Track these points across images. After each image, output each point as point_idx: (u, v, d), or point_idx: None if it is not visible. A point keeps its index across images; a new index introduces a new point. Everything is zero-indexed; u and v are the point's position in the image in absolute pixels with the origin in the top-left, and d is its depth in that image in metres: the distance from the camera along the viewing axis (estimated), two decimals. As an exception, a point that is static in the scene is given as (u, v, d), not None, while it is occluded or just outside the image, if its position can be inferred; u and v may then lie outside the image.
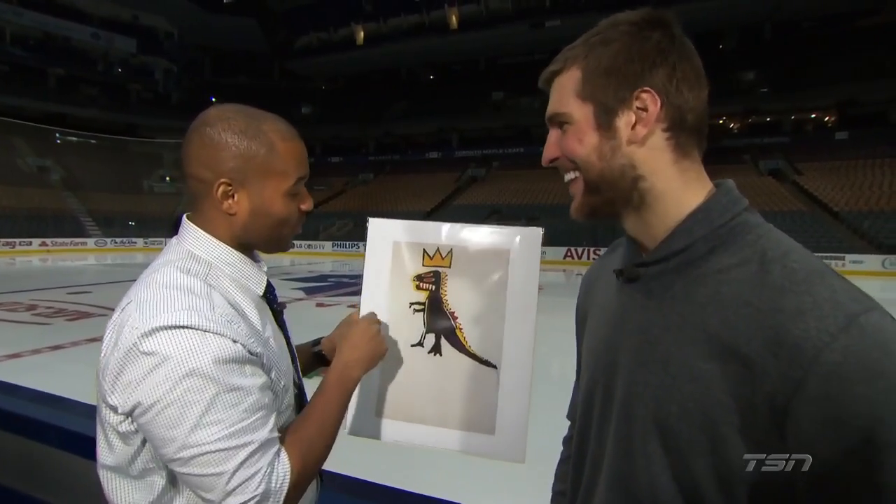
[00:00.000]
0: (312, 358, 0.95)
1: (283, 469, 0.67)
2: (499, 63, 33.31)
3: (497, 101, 31.30)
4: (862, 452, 0.41)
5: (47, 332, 6.36)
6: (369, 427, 0.89)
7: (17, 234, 21.67)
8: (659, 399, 0.52)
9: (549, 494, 0.82)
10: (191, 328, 0.63)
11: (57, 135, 31.09)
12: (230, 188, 0.72)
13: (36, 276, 14.61)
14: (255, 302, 0.77)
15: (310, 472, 0.71)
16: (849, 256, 17.24)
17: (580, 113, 0.58)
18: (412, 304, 0.87)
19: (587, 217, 0.61)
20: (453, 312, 0.86)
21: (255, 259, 0.80)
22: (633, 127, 0.56)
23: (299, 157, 0.76)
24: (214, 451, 0.62)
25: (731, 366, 0.47)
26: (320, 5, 31.63)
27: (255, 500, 0.63)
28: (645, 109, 0.55)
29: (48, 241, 22.44)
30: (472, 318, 0.85)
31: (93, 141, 32.38)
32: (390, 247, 0.89)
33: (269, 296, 0.82)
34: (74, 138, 31.85)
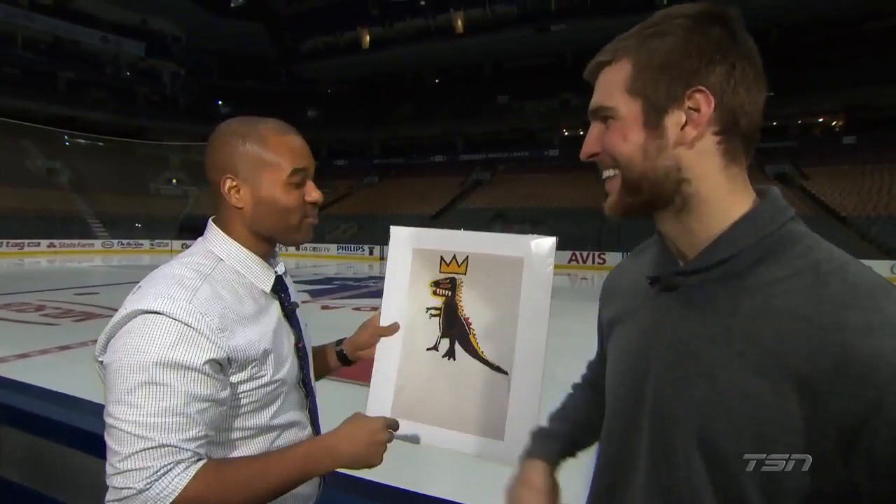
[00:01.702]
0: (336, 357, 1.01)
1: (176, 484, 0.65)
2: (504, 67, 33.37)
3: (502, 104, 31.34)
4: None
5: (55, 333, 6.41)
6: None
7: (26, 235, 21.85)
8: (704, 414, 0.50)
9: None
10: (162, 314, 0.69)
11: (65, 137, 31.39)
12: (234, 183, 0.80)
13: (44, 276, 14.74)
14: (261, 297, 0.82)
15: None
16: (856, 262, 17.15)
17: (627, 108, 0.54)
18: (429, 308, 0.90)
19: (622, 216, 0.59)
20: (467, 318, 0.88)
21: (271, 259, 0.86)
22: (683, 128, 0.52)
23: (292, 149, 0.80)
24: (120, 430, 0.66)
25: (788, 383, 0.45)
26: (327, 9, 31.85)
27: (132, 493, 0.64)
28: (697, 110, 0.52)
29: (56, 242, 22.63)
30: (486, 324, 0.87)
31: (101, 143, 32.66)
32: (410, 253, 0.92)
33: (281, 294, 0.86)
34: (83, 140, 32.15)
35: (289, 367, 0.83)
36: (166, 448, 0.66)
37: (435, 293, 0.90)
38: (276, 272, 0.85)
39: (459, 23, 29.91)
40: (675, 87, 0.52)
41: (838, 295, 0.45)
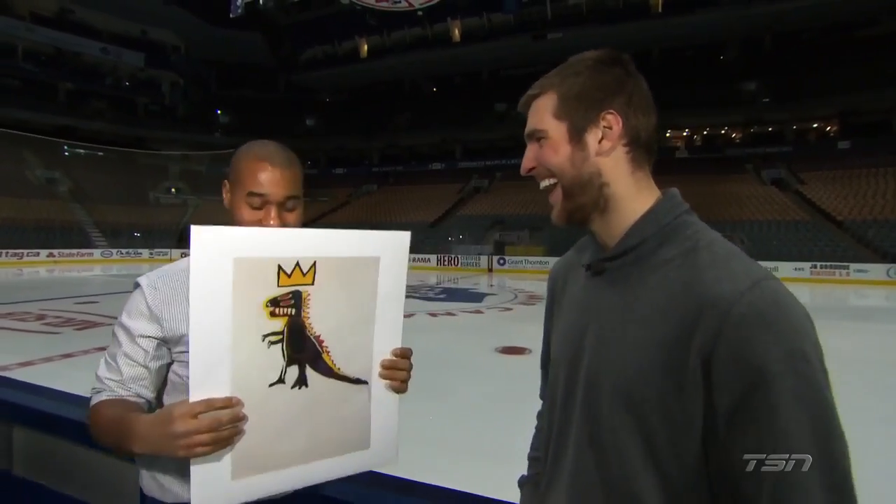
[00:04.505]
0: None
1: (91, 402, 0.86)
2: (501, 75, 33.65)
3: (500, 112, 31.56)
4: (758, 382, 0.53)
5: (57, 341, 6.44)
6: (223, 496, 0.71)
7: (25, 245, 21.88)
8: (620, 366, 0.63)
9: None
10: (139, 285, 0.89)
11: (65, 147, 31.51)
12: (227, 186, 0.93)
13: (43, 286, 14.74)
14: None
15: (91, 430, 0.84)
16: (853, 266, 17.17)
17: (556, 130, 0.69)
18: (266, 335, 0.71)
19: (566, 222, 0.72)
20: (318, 336, 0.75)
21: None
22: (601, 141, 0.68)
23: (257, 175, 0.87)
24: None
25: (673, 331, 0.59)
26: (325, 19, 32.11)
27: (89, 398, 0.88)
28: (610, 128, 0.67)
29: (55, 252, 22.64)
30: (341, 338, 0.77)
31: (100, 153, 32.77)
32: (230, 265, 0.68)
33: None
34: (82, 151, 32.27)
35: None
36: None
37: (273, 314, 0.71)
38: None
39: (457, 31, 30.18)
40: (591, 112, 0.68)
41: (704, 261, 0.61)
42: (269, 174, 0.87)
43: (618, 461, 0.63)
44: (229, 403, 0.69)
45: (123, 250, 24.94)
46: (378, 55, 32.54)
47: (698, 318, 0.56)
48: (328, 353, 0.76)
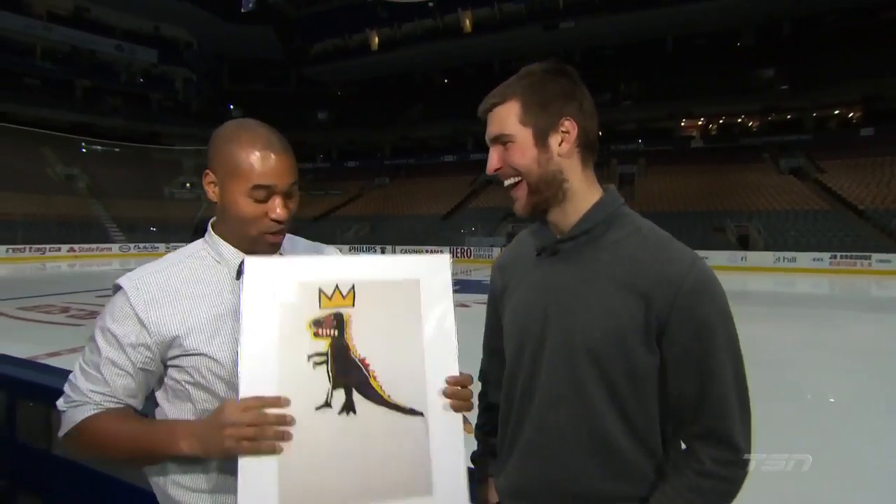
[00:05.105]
0: None
1: (74, 416, 0.79)
2: (513, 65, 33.00)
3: (511, 103, 31.28)
4: (700, 335, 0.72)
5: (82, 333, 6.60)
6: None
7: (47, 241, 22.41)
8: (587, 330, 0.76)
9: None
10: (120, 287, 0.82)
11: (83, 144, 32.08)
12: (212, 179, 0.84)
13: (65, 280, 15.11)
14: (228, 281, 0.85)
15: (73, 444, 0.80)
16: (875, 256, 16.81)
17: (522, 134, 0.80)
18: (311, 356, 0.72)
19: (531, 214, 0.83)
20: (364, 359, 0.74)
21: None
22: (560, 144, 0.79)
23: (262, 165, 0.79)
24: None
25: (632, 298, 0.74)
26: (335, 12, 32.11)
27: (62, 410, 0.82)
28: (568, 132, 0.79)
29: (76, 246, 23.16)
30: (387, 361, 0.75)
31: (116, 149, 33.29)
32: (275, 289, 0.74)
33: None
34: (99, 147, 32.81)
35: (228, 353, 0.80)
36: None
37: (317, 335, 0.73)
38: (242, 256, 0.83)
39: (467, 22, 29.96)
40: (552, 119, 0.79)
41: (652, 243, 0.77)
42: (273, 163, 0.80)
43: (586, 408, 0.76)
44: (279, 403, 0.69)
45: (140, 244, 25.42)
46: (389, 47, 32.46)
47: (655, 291, 0.73)
48: (375, 377, 0.74)
